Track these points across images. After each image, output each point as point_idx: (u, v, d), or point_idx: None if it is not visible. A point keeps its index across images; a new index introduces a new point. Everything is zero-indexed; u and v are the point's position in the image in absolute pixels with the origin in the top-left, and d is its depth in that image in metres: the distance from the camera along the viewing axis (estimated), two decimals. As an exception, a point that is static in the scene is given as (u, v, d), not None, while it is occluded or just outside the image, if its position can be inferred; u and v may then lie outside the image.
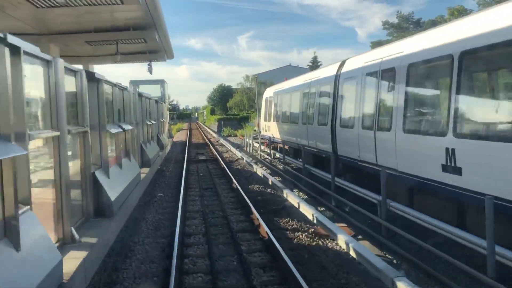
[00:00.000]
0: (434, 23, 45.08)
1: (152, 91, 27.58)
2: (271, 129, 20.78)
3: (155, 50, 15.63)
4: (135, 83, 29.08)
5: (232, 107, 75.47)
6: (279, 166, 17.37)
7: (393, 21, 56.91)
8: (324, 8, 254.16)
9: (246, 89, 73.37)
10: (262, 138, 23.73)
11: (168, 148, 22.58)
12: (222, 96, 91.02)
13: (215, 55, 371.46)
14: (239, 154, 22.14)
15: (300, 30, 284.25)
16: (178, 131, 58.53)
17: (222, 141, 33.66)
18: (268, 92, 23.03)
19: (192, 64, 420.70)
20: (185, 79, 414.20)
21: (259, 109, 45.40)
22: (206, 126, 77.70)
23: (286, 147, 18.20)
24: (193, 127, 74.24)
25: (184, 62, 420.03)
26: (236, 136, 45.23)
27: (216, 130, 55.28)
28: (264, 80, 60.03)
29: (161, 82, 31.00)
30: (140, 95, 13.07)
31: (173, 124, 75.53)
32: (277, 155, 19.43)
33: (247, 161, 18.86)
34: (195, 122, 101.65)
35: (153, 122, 15.59)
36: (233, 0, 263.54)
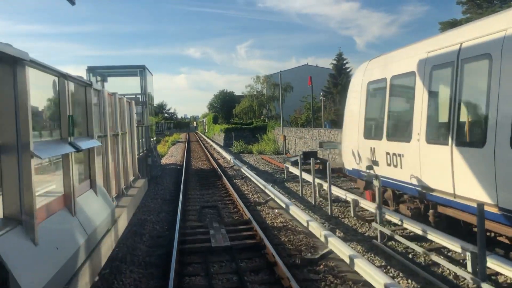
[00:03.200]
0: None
1: (129, 87, 20.56)
2: (410, 163, 9.29)
3: None
4: (96, 71, 20.37)
5: (238, 114, 69.43)
6: None
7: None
8: (322, 17, 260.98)
9: (258, 94, 67.04)
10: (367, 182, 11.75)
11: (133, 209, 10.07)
12: (224, 103, 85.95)
13: (214, 64, 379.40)
14: (314, 226, 9.01)
15: (298, 39, 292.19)
16: (173, 144, 51.08)
17: (243, 170, 20.54)
18: (376, 71, 11.24)
19: (191, 73, 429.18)
20: (184, 88, 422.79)
21: (283, 117, 35.45)
22: (207, 137, 69.49)
23: None
24: (192, 138, 67.84)
25: (183, 71, 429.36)
26: (251, 153, 34.52)
27: (222, 144, 46.68)
28: (277, 82, 49.51)
29: (141, 70, 20.93)
30: None
31: (169, 135, 71.20)
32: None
33: None
34: (194, 132, 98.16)
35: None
36: (232, 10, 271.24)
